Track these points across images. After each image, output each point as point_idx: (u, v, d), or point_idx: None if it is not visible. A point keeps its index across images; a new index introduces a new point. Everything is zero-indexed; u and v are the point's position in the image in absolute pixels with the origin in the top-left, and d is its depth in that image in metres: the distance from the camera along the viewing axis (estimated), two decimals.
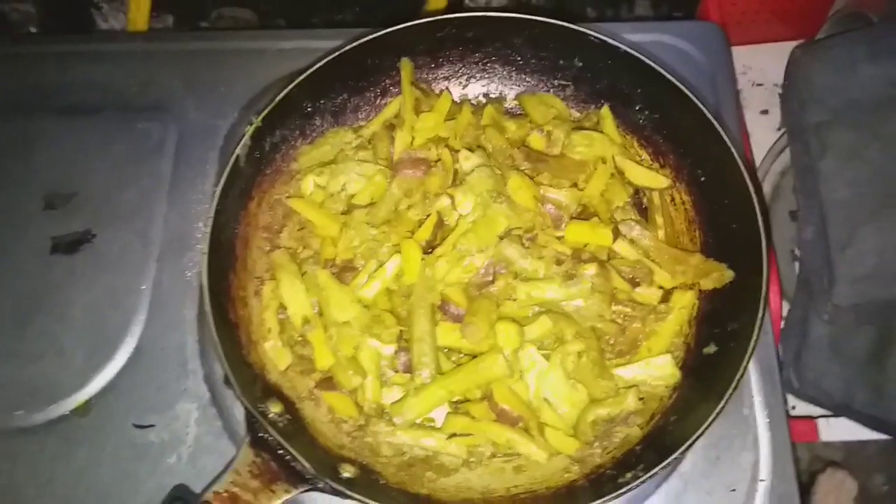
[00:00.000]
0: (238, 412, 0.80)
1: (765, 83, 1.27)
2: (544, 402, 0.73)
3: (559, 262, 0.76)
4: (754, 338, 0.67)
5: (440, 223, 0.79)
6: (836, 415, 1.00)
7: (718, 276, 0.76)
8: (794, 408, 1.05)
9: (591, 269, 0.74)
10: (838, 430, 1.02)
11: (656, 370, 0.73)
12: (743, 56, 1.28)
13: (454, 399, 0.75)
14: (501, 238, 0.76)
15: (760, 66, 1.28)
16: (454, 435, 0.73)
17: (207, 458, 0.79)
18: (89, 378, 0.82)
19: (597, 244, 0.78)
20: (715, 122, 0.75)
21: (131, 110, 0.99)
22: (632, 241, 0.78)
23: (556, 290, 0.74)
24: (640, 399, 0.72)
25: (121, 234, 0.91)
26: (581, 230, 0.78)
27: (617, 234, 0.78)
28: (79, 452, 0.79)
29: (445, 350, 0.76)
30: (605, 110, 0.86)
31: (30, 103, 1.01)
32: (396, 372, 0.76)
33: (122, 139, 0.97)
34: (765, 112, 1.24)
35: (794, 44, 1.05)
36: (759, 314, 0.68)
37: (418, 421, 0.74)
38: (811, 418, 1.02)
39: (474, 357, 0.74)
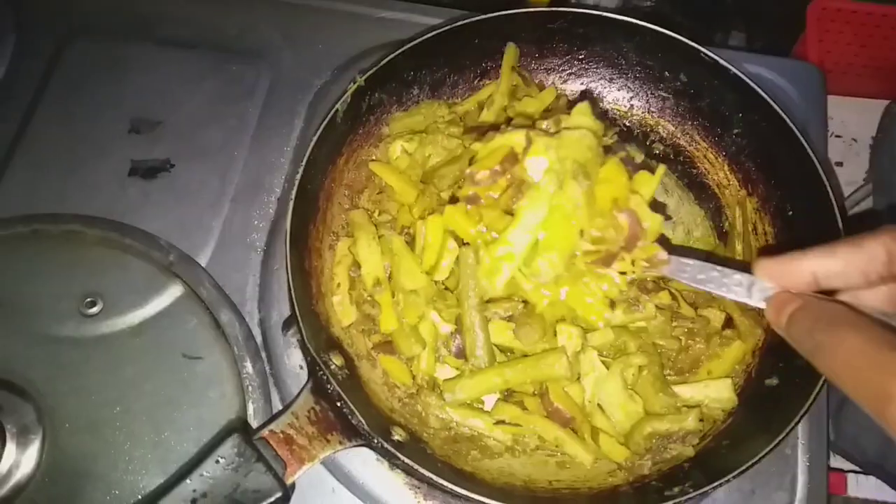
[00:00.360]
0: (288, 361, 0.81)
1: (843, 136, 1.27)
2: (598, 407, 0.74)
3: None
4: (822, 379, 0.67)
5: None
6: (867, 473, 0.99)
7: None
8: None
9: (661, 299, 0.74)
10: (866, 489, 1.01)
11: (714, 392, 0.73)
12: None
13: (507, 389, 0.75)
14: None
15: (842, 119, 1.28)
16: (501, 422, 0.74)
17: (250, 401, 0.79)
18: (148, 300, 0.83)
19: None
20: (815, 160, 0.75)
21: (228, 51, 1.01)
22: None
23: (620, 316, 0.74)
24: (700, 420, 0.71)
25: (199, 168, 0.92)
26: None
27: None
28: (126, 371, 0.79)
29: (497, 347, 0.76)
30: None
31: (130, 30, 1.02)
32: (449, 352, 0.77)
33: (214, 77, 0.99)
34: (839, 164, 1.24)
35: (878, 101, 1.05)
36: None
37: (469, 401, 0.75)
38: (842, 471, 1.01)
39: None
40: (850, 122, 1.27)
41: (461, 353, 0.76)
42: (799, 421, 0.66)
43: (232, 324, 0.82)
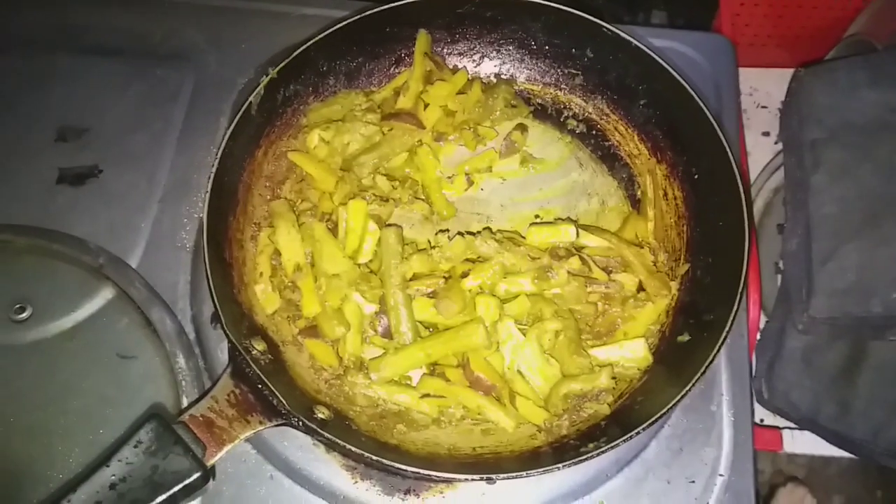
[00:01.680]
0: (221, 355, 0.82)
1: (769, 106, 1.30)
2: (518, 374, 0.76)
3: (533, 258, 0.79)
4: (727, 329, 0.70)
5: None
6: (802, 428, 1.02)
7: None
8: (762, 420, 1.08)
9: (572, 265, 0.77)
10: (802, 443, 1.04)
11: (630, 353, 0.76)
12: (751, 78, 1.31)
13: (430, 363, 0.77)
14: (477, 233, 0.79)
15: (767, 90, 1.31)
16: (427, 395, 0.75)
17: (184, 396, 0.80)
18: (79, 304, 0.83)
19: (561, 241, 0.80)
20: (713, 122, 0.78)
21: (151, 57, 1.02)
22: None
23: (532, 283, 0.76)
24: (613, 378, 0.74)
25: (127, 172, 0.93)
26: (544, 230, 0.81)
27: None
28: (60, 374, 0.80)
29: (420, 323, 0.78)
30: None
31: (54, 40, 1.03)
32: (375, 332, 0.79)
33: (139, 83, 1.00)
34: (766, 134, 1.27)
35: None
36: (735, 307, 0.70)
37: (395, 378, 0.76)
38: (777, 428, 1.04)
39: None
40: (774, 93, 1.30)
41: (387, 333, 0.78)
42: (704, 370, 0.68)
43: (163, 321, 0.83)
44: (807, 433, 1.02)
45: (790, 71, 1.22)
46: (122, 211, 0.91)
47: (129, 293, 0.84)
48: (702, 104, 0.79)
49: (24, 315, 0.82)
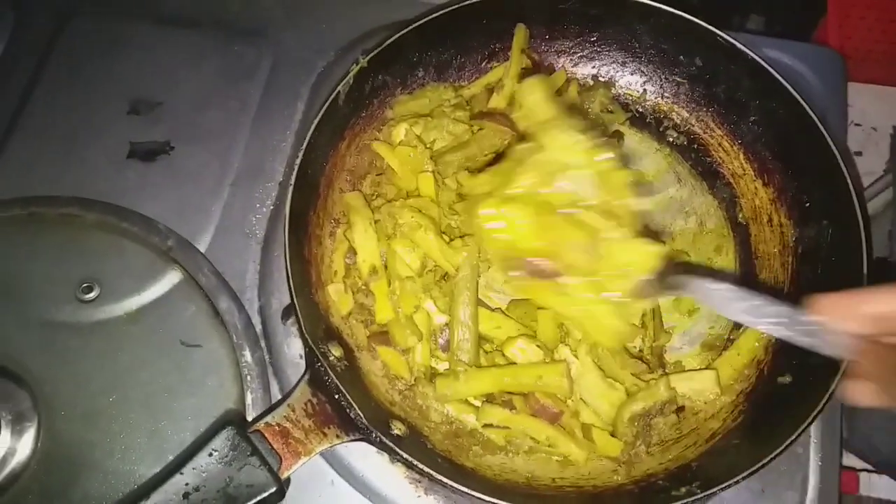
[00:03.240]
0: (288, 350, 0.80)
1: (863, 124, 1.23)
2: (582, 402, 0.72)
3: None
4: (838, 377, 0.65)
5: None
6: (880, 471, 0.97)
7: None
8: None
9: None
10: (879, 487, 0.99)
11: (697, 384, 0.72)
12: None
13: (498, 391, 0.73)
14: None
15: (862, 107, 1.23)
16: (490, 425, 0.72)
17: (248, 391, 0.77)
18: (146, 286, 0.81)
19: None
20: (834, 149, 0.72)
21: (230, 31, 0.98)
22: None
23: None
24: (672, 388, 0.70)
25: (199, 151, 0.90)
26: None
27: None
28: (123, 358, 0.78)
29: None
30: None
31: (130, 8, 1.00)
32: (436, 345, 0.75)
33: (215, 57, 0.96)
34: (858, 153, 1.20)
35: None
36: None
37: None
38: (854, 470, 0.99)
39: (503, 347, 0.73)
40: (870, 111, 1.22)
41: (447, 347, 0.74)
42: (811, 422, 0.64)
43: (231, 311, 0.80)
44: (884, 477, 0.97)
45: (888, 89, 1.15)
46: (192, 191, 0.88)
47: (197, 279, 0.82)
48: (822, 128, 0.74)
49: (91, 294, 0.80)
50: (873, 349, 0.47)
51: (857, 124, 1.23)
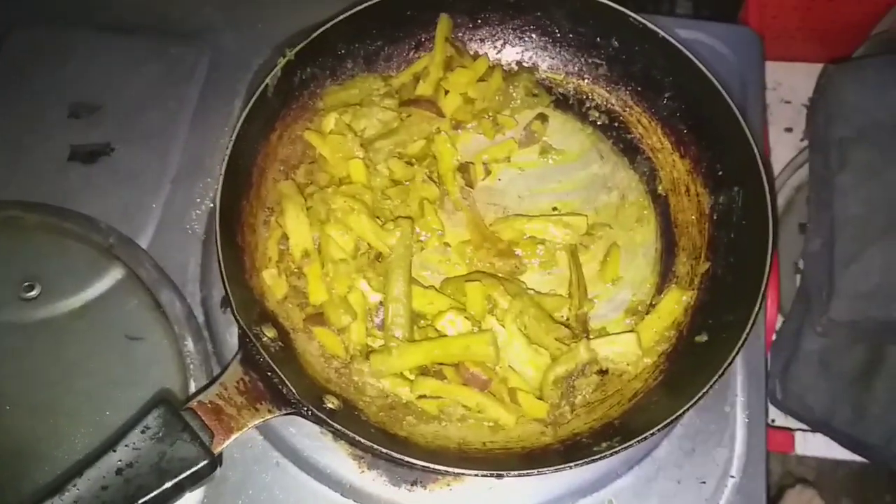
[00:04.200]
0: (230, 339, 0.82)
1: (793, 101, 1.28)
2: (510, 368, 0.75)
3: None
4: (747, 330, 0.68)
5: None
6: (814, 430, 1.01)
7: None
8: (774, 420, 1.06)
9: None
10: (814, 446, 1.03)
11: (620, 347, 0.75)
12: (776, 72, 1.28)
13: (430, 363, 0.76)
14: None
15: (791, 84, 1.29)
16: (423, 396, 0.74)
17: (192, 379, 0.79)
18: (88, 283, 0.82)
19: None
20: (740, 118, 0.76)
21: (168, 34, 1.00)
22: None
23: None
24: (592, 350, 0.73)
25: (140, 151, 0.92)
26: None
27: None
28: (68, 353, 0.79)
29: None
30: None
31: (70, 15, 1.02)
32: (373, 324, 0.78)
33: (154, 60, 0.98)
34: (789, 130, 1.25)
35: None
36: (756, 307, 0.69)
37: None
38: (789, 430, 1.03)
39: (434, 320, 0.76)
40: (799, 88, 1.27)
41: (381, 326, 0.77)
42: (722, 373, 0.67)
43: (172, 304, 0.82)
44: (818, 435, 1.01)
45: (816, 66, 1.20)
46: (133, 190, 0.90)
47: (139, 274, 0.83)
48: (729, 100, 0.77)
49: (32, 293, 0.81)
50: None
51: (787, 101, 1.28)
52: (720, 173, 0.81)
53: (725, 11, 1.23)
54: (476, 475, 0.66)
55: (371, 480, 0.75)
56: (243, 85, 0.96)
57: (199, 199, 0.90)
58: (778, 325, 1.02)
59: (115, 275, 0.83)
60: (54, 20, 1.01)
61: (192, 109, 0.95)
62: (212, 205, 0.89)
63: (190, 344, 0.80)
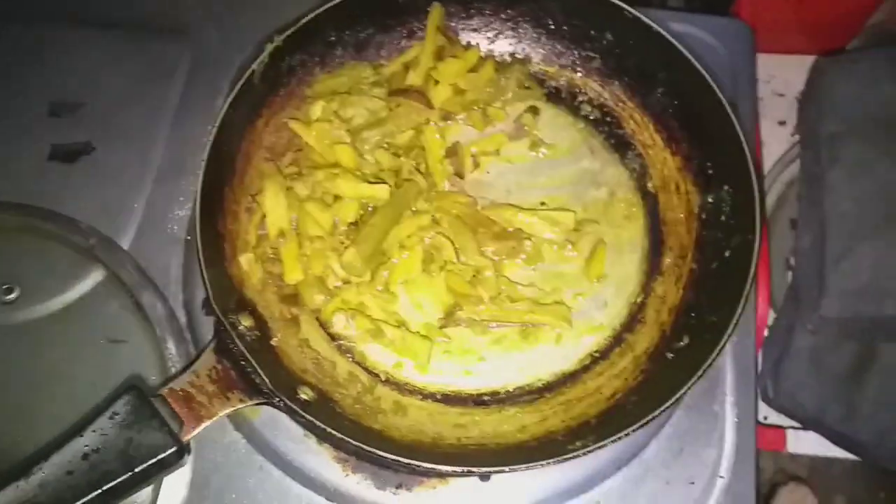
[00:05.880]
0: None
1: (786, 94, 1.26)
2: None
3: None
4: (727, 333, 0.67)
5: None
6: (806, 428, 1.00)
7: None
8: (766, 418, 1.06)
9: None
10: (806, 444, 1.02)
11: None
12: (769, 64, 1.26)
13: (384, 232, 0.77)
14: None
15: (784, 77, 1.27)
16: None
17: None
18: (68, 285, 0.81)
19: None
20: (732, 116, 0.75)
21: (149, 30, 0.99)
22: None
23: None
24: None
25: (121, 150, 0.91)
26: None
27: None
28: (49, 356, 0.78)
29: None
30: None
31: (48, 11, 1.00)
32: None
33: (135, 57, 0.96)
34: (782, 123, 1.23)
35: None
36: (738, 310, 0.68)
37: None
38: (781, 427, 1.02)
39: None
40: (792, 81, 1.25)
41: None
42: (702, 374, 0.66)
43: (154, 306, 0.81)
44: (811, 433, 1.01)
45: (810, 58, 1.18)
46: (114, 190, 0.88)
47: (120, 276, 0.82)
48: (720, 95, 0.76)
49: (11, 296, 0.80)
50: None
51: (780, 94, 1.27)
52: (710, 171, 0.80)
53: (717, 4, 1.21)
54: (450, 471, 0.66)
55: (356, 483, 0.74)
56: (226, 82, 0.94)
57: (182, 198, 0.88)
58: (770, 321, 1.01)
59: (95, 276, 0.82)
60: (32, 17, 1.00)
61: (174, 107, 0.93)
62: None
63: (172, 346, 0.79)
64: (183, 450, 0.61)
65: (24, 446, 0.73)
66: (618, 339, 0.79)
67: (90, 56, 0.96)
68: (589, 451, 0.64)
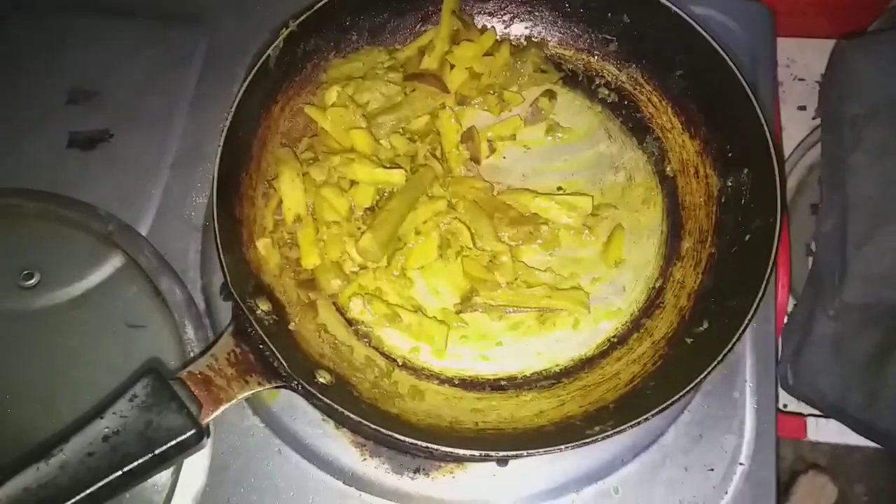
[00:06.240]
0: None
1: (807, 79, 1.24)
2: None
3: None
4: (749, 318, 0.67)
5: None
6: (826, 416, 0.99)
7: None
8: (786, 406, 1.04)
9: None
10: (827, 431, 1.00)
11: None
12: (789, 48, 1.24)
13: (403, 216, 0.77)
14: None
15: (805, 61, 1.24)
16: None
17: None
18: (88, 271, 0.82)
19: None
20: (752, 98, 0.74)
21: (165, 18, 0.99)
22: None
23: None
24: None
25: (138, 137, 0.91)
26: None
27: None
28: (68, 342, 0.79)
29: None
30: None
31: (66, 0, 1.01)
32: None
33: (152, 45, 0.97)
34: (802, 108, 1.21)
35: None
36: (760, 294, 0.67)
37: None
38: (801, 415, 1.00)
39: None
40: (812, 65, 1.23)
41: None
42: (720, 362, 0.65)
43: (172, 291, 0.81)
44: (831, 421, 0.99)
45: (830, 42, 1.16)
46: (132, 177, 0.89)
47: (139, 261, 0.83)
48: (741, 77, 0.75)
49: (32, 281, 0.81)
50: None
51: (800, 79, 1.24)
52: (730, 155, 0.79)
53: None
54: (468, 455, 0.64)
55: (374, 468, 0.74)
56: (242, 69, 0.95)
57: (199, 184, 0.89)
58: (790, 308, 1.00)
59: (114, 263, 0.83)
60: (52, 5, 1.00)
61: (191, 94, 0.94)
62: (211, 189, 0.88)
63: (190, 331, 0.80)
64: (202, 432, 0.61)
65: (44, 429, 0.74)
66: (636, 325, 0.78)
67: (107, 44, 0.97)
68: (607, 437, 0.63)
